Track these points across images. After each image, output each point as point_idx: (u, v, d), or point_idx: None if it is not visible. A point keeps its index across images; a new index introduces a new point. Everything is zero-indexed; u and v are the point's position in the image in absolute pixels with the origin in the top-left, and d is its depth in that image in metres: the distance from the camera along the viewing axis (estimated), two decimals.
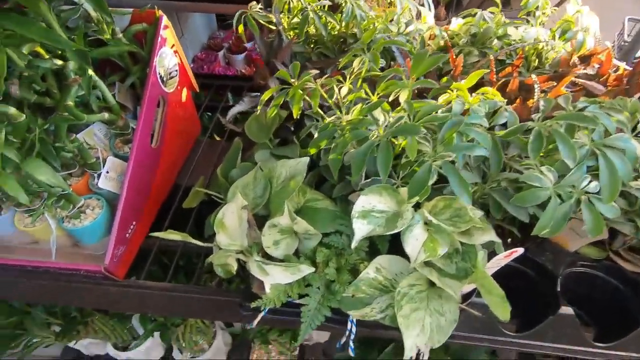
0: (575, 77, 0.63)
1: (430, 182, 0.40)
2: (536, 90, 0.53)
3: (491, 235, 0.42)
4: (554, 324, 0.49)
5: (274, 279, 0.42)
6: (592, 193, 0.40)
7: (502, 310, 0.39)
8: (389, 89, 0.44)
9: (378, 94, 0.45)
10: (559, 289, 0.51)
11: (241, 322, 0.92)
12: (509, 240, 0.57)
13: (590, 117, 0.39)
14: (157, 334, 1.13)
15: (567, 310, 0.49)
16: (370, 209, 0.42)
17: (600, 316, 0.56)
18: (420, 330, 0.42)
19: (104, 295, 0.63)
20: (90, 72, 0.60)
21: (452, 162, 0.39)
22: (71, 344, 1.09)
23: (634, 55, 1.17)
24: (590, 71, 0.69)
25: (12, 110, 0.51)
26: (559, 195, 0.40)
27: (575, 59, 0.66)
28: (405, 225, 0.40)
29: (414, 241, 0.41)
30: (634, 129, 0.47)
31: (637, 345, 0.49)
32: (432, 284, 0.45)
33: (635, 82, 0.60)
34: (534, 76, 0.53)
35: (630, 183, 0.41)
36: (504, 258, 0.42)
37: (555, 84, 0.59)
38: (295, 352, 1.13)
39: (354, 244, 0.40)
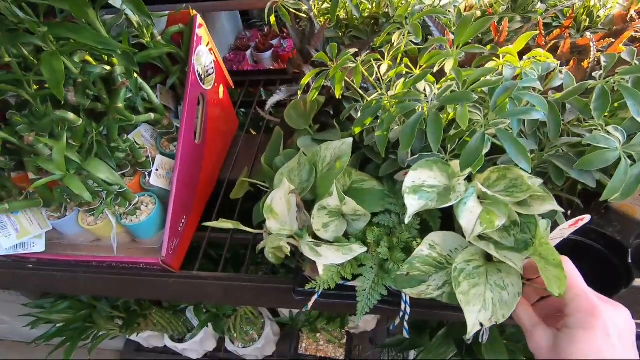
0: (636, 31, 0.58)
1: (484, 152, 0.38)
2: (592, 49, 0.49)
3: (552, 205, 0.39)
4: (628, 297, 0.46)
5: (327, 259, 0.43)
6: None
7: (559, 281, 0.37)
8: (433, 60, 0.43)
9: (421, 66, 0.44)
10: (630, 260, 0.47)
11: (293, 308, 0.94)
12: (569, 212, 0.53)
13: None
14: (210, 325, 1.18)
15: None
16: (421, 184, 0.41)
17: None
18: (482, 305, 0.40)
19: (163, 286, 0.67)
20: (136, 75, 0.63)
21: (507, 129, 0.37)
22: (133, 337, 1.16)
23: None
24: None
25: (71, 115, 0.54)
26: (630, 156, 0.37)
27: (632, 13, 0.61)
28: (459, 198, 0.39)
29: (469, 214, 0.40)
30: None
31: None
32: (489, 258, 0.43)
33: None
34: (588, 34, 0.49)
35: None
36: (568, 227, 0.40)
37: (613, 41, 0.54)
38: (343, 340, 1.13)
39: (407, 220, 0.39)
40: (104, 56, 0.61)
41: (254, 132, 1.03)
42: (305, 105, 0.60)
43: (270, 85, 1.09)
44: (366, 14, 0.73)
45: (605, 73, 0.40)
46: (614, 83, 0.38)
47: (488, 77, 0.40)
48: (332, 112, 0.60)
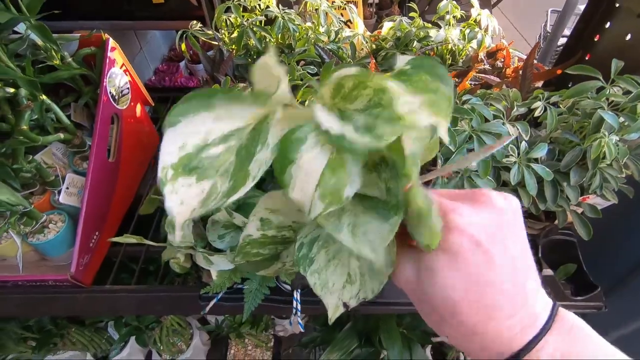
0: (481, 70, 0.73)
1: None
2: None
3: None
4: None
5: (218, 266, 0.49)
6: (474, 171, 0.49)
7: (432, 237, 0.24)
8: (305, 95, 0.52)
9: (297, 100, 0.53)
10: (540, 255, 0.59)
11: (202, 313, 0.98)
12: None
13: (466, 110, 0.48)
14: (134, 341, 1.17)
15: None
16: (203, 144, 0.22)
17: None
18: (346, 280, 0.29)
19: (74, 302, 0.68)
20: (42, 97, 0.64)
21: None
22: (50, 357, 1.12)
23: (556, 44, 1.29)
24: (499, 64, 0.79)
25: None
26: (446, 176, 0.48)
27: (482, 55, 0.76)
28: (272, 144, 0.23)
29: (304, 176, 0.22)
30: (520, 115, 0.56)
31: None
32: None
33: (529, 73, 0.70)
34: None
35: (503, 160, 0.49)
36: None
37: (461, 79, 0.68)
38: (270, 344, 1.19)
39: (176, 237, 0.27)
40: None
41: None
42: None
43: None
44: (272, 43, 0.81)
45: None
46: None
47: None
48: None
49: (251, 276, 0.51)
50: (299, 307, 0.59)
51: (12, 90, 0.61)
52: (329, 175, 0.22)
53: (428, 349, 1.16)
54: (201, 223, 0.53)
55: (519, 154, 0.50)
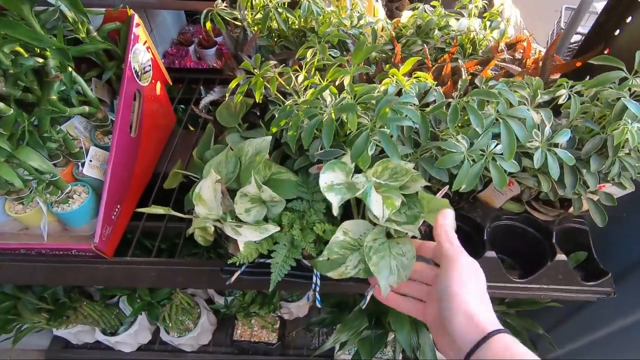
0: (500, 61, 0.74)
1: (371, 152, 0.49)
2: (463, 73, 0.63)
3: (423, 182, 0.51)
4: (483, 264, 0.60)
5: (246, 237, 0.51)
6: (499, 154, 0.50)
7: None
8: (335, 75, 0.53)
9: (327, 79, 0.54)
10: (485, 238, 0.61)
11: (222, 288, 1.00)
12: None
13: (493, 93, 0.49)
14: (144, 316, 1.19)
15: (491, 254, 0.60)
16: (331, 183, 0.49)
17: (522, 259, 0.68)
18: (389, 271, 0.49)
19: (95, 272, 0.70)
20: (70, 68, 0.65)
21: (387, 134, 0.48)
22: (61, 333, 1.14)
23: (569, 39, 1.30)
24: (518, 55, 0.80)
25: (1, 104, 0.56)
26: (472, 158, 0.50)
27: (502, 45, 0.77)
28: (362, 189, 0.48)
29: (376, 203, 0.48)
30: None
31: (547, 278, 0.61)
32: (390, 235, 0.53)
33: (549, 64, 0.71)
34: (460, 61, 0.62)
35: (527, 144, 0.51)
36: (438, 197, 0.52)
37: (482, 68, 0.69)
38: (276, 326, 1.22)
39: (335, 211, 0.47)
40: (36, 48, 0.63)
41: (192, 128, 1.07)
42: (235, 105, 0.67)
43: (210, 83, 1.14)
44: (295, 26, 0.82)
45: (460, 93, 0.53)
46: (465, 102, 0.50)
47: (376, 92, 0.50)
48: (258, 113, 0.68)
49: (278, 248, 0.53)
50: (318, 282, 0.60)
51: (41, 60, 0.62)
52: (386, 200, 0.49)
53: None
54: (229, 197, 0.54)
55: (542, 139, 0.51)
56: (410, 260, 0.50)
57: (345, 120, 0.52)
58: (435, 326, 0.45)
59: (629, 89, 0.53)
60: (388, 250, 0.51)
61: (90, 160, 0.71)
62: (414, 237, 0.52)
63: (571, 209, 0.62)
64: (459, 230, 0.67)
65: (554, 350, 0.94)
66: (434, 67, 0.67)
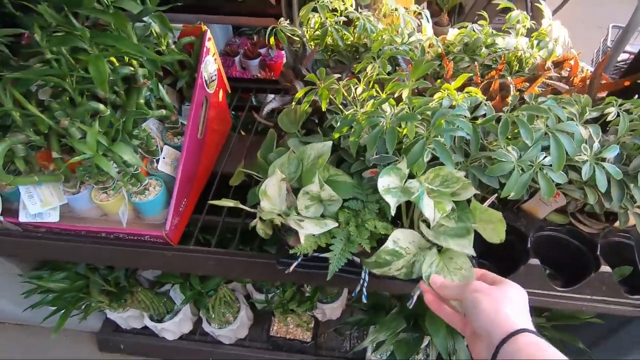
0: (548, 78, 0.77)
1: (426, 160, 0.54)
2: (512, 89, 0.67)
3: (472, 190, 0.54)
4: (525, 272, 0.63)
5: (308, 230, 0.56)
6: (547, 165, 0.54)
7: (499, 231, 0.53)
8: (394, 88, 0.58)
9: (386, 92, 0.59)
10: (529, 246, 0.64)
11: (276, 279, 1.06)
12: None
13: (543, 108, 0.53)
14: (187, 309, 1.28)
15: (534, 261, 0.63)
16: (388, 187, 0.53)
17: (565, 271, 0.70)
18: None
19: (163, 258, 0.78)
20: (155, 77, 0.75)
21: (442, 143, 0.53)
22: (113, 315, 1.24)
23: (616, 58, 1.29)
24: (564, 73, 0.83)
25: (102, 106, 0.66)
26: (522, 168, 0.53)
27: (549, 63, 0.80)
28: (416, 194, 0.52)
29: (428, 207, 0.51)
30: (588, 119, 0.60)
31: (591, 289, 0.62)
32: (439, 254, 0.55)
33: (596, 83, 0.73)
34: (509, 78, 0.66)
35: (575, 157, 0.54)
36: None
37: (529, 84, 0.73)
38: (311, 325, 1.26)
39: (392, 212, 0.52)
40: (126, 58, 0.72)
41: (243, 133, 1.16)
42: (296, 113, 0.74)
43: (260, 92, 1.22)
44: (349, 42, 0.88)
45: (510, 108, 0.57)
46: (515, 116, 0.55)
47: (432, 105, 0.56)
48: (317, 121, 0.74)
49: (336, 242, 0.58)
50: (366, 278, 0.65)
51: (132, 69, 0.72)
52: (437, 204, 0.53)
53: None
54: (293, 193, 0.60)
55: (590, 153, 0.54)
56: (469, 270, 0.52)
57: (400, 130, 0.57)
58: (470, 333, 0.46)
59: None
60: (446, 270, 0.54)
61: (164, 158, 0.80)
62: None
63: (617, 223, 0.64)
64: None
65: None
66: (482, 83, 0.71)
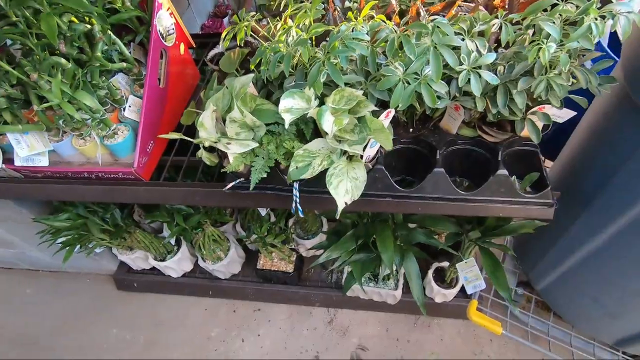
0: (465, 1, 0.80)
1: (322, 80, 0.62)
2: (422, 12, 0.72)
3: (370, 106, 0.63)
4: (432, 179, 0.71)
5: (234, 151, 0.67)
6: (432, 78, 0.60)
7: (387, 138, 0.62)
8: (299, 20, 0.65)
9: (294, 24, 0.66)
10: (437, 157, 0.72)
11: (231, 205, 1.19)
12: (410, 129, 0.78)
13: (424, 25, 0.59)
14: (185, 249, 1.45)
15: (439, 170, 0.70)
16: (290, 107, 0.63)
17: (478, 180, 0.77)
18: (345, 192, 0.64)
19: (136, 193, 0.91)
20: (109, 32, 0.84)
21: (334, 64, 0.60)
22: (124, 257, 1.43)
23: None
24: None
25: (63, 60, 0.77)
26: (408, 82, 0.60)
27: None
28: (312, 108, 0.62)
29: (327, 122, 0.61)
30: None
31: (490, 191, 0.70)
32: (348, 161, 0.67)
33: (516, 2, 0.76)
34: (419, 3, 0.71)
35: (456, 67, 0.60)
36: (384, 118, 0.63)
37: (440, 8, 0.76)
38: (293, 258, 1.41)
39: (286, 126, 0.62)
40: (85, 17, 0.82)
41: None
42: (234, 54, 0.82)
43: None
44: None
45: (399, 28, 0.63)
46: (403, 34, 0.61)
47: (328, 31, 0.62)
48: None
49: (257, 159, 0.68)
50: (297, 194, 0.76)
51: (88, 26, 0.81)
52: (336, 119, 0.62)
53: (430, 271, 1.31)
54: (223, 124, 0.70)
55: (469, 62, 0.60)
56: (362, 183, 0.64)
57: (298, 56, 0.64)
58: None
59: (560, 14, 0.59)
60: (345, 175, 0.64)
61: (130, 106, 0.91)
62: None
63: (523, 132, 0.70)
64: (418, 154, 0.78)
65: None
66: (398, 10, 0.76)
